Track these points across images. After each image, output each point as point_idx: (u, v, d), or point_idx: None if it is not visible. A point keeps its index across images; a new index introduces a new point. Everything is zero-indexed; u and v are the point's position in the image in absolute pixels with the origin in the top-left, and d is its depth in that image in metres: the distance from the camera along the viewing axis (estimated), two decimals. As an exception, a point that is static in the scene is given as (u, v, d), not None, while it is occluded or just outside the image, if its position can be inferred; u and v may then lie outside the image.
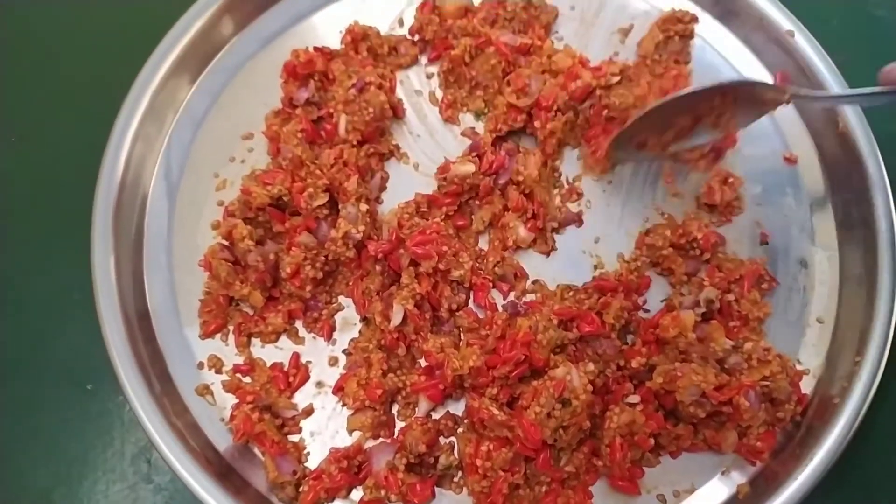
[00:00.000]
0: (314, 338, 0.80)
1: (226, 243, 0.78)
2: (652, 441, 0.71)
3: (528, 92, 0.83)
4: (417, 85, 0.90)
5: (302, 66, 0.84)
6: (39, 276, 0.84)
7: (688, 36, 0.88)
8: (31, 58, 0.94)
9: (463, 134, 0.87)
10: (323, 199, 0.77)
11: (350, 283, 0.80)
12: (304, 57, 0.84)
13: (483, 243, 0.83)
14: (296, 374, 0.78)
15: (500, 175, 0.81)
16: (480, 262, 0.80)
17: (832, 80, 0.85)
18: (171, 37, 0.85)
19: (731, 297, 0.77)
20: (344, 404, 0.76)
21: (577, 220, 0.84)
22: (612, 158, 0.84)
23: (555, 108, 0.82)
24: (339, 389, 0.77)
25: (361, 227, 0.76)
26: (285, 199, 0.78)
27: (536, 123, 0.84)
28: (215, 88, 0.88)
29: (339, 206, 0.77)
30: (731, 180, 0.82)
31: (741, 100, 0.75)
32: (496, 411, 0.70)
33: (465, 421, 0.75)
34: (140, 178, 0.83)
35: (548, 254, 0.83)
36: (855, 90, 0.75)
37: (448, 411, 0.76)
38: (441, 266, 0.75)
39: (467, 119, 0.88)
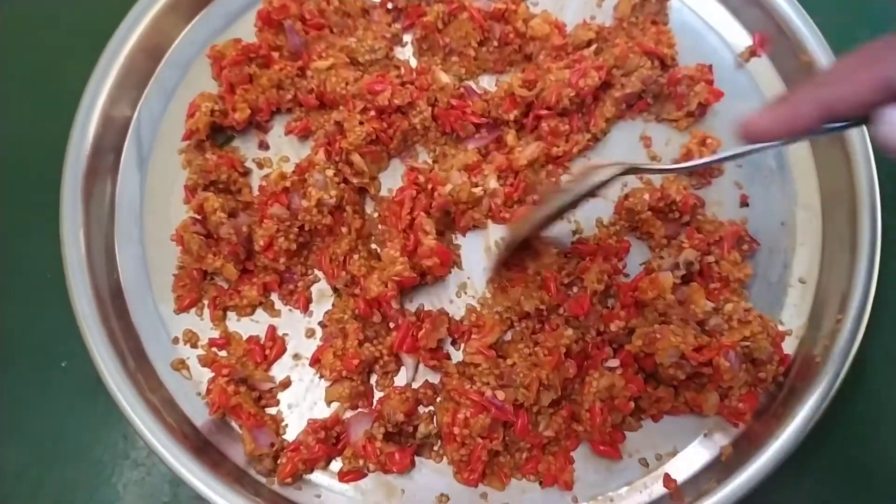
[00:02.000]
0: (290, 310, 0.79)
1: (198, 217, 0.76)
2: (632, 405, 0.71)
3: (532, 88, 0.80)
4: (392, 54, 0.88)
5: (276, 10, 0.82)
6: (11, 255, 0.83)
7: (664, -3, 0.87)
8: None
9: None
10: (245, 112, 0.80)
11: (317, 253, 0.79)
12: (277, 2, 0.82)
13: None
14: (272, 346, 0.77)
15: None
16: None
17: (813, 41, 0.83)
18: (139, 9, 0.84)
19: (711, 258, 0.76)
20: (321, 376, 0.76)
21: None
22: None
23: (558, 109, 0.79)
24: (315, 361, 0.76)
25: (333, 193, 0.75)
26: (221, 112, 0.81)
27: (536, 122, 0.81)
28: (184, 61, 0.86)
29: (306, 175, 0.75)
30: (709, 142, 0.81)
31: None
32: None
33: (444, 390, 0.75)
34: (110, 152, 0.82)
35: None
36: (714, 156, 0.67)
37: (427, 380, 0.76)
38: (396, 101, 0.77)
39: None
